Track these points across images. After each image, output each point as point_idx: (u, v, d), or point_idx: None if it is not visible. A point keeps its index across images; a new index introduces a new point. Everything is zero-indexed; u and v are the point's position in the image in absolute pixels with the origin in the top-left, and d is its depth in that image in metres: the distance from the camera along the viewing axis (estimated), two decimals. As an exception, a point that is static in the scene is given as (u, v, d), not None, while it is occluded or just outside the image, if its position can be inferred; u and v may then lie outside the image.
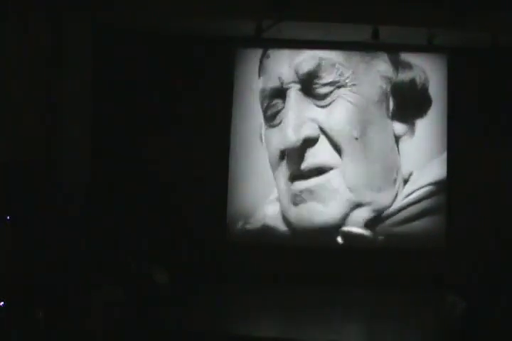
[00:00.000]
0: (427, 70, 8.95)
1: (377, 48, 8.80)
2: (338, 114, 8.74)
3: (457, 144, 8.97)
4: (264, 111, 8.88)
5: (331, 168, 8.71)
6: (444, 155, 8.94)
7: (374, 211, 8.79)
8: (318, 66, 8.77)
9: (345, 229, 8.78)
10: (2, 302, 5.67)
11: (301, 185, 8.73)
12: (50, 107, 7.55)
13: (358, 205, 8.74)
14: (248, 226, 8.87)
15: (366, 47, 8.75)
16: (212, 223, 8.81)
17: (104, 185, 8.35)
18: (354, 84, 8.77)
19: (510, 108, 8.96)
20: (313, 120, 8.73)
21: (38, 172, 7.21)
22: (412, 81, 8.92)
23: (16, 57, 7.08)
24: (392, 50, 8.89)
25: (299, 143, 8.66)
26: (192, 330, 6.34)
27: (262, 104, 8.90)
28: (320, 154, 8.71)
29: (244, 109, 8.94)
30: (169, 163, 8.78)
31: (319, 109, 8.76)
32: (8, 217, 6.62)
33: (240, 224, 8.88)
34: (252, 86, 8.92)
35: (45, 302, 5.91)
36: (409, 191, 8.84)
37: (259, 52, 8.95)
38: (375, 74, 8.85)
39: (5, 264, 6.50)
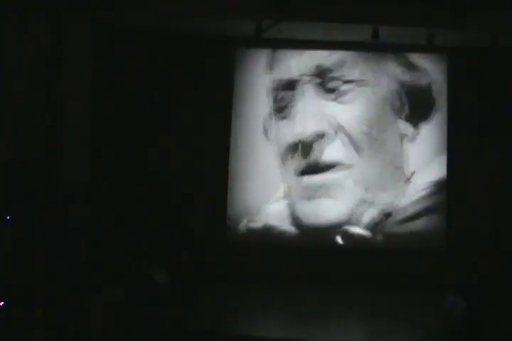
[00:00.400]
0: (431, 72, 8.98)
1: (377, 48, 8.80)
2: (356, 112, 8.81)
3: (457, 144, 8.97)
4: (275, 103, 8.91)
5: (343, 165, 8.75)
6: (445, 156, 8.95)
7: (380, 210, 8.83)
8: (341, 62, 8.83)
9: (349, 228, 8.79)
10: (2, 302, 5.67)
11: (311, 179, 8.75)
12: (50, 107, 7.55)
13: (367, 204, 8.78)
14: (248, 226, 8.87)
15: (366, 47, 8.76)
16: (213, 223, 8.81)
17: (104, 185, 8.35)
18: (372, 84, 8.85)
19: (510, 108, 8.96)
20: (330, 116, 8.78)
21: (38, 172, 7.20)
22: (422, 83, 8.96)
23: (16, 57, 7.07)
24: (392, 50, 8.90)
25: (312, 137, 8.70)
26: (192, 330, 6.35)
27: (273, 95, 8.91)
28: (333, 150, 8.76)
29: (244, 109, 8.94)
30: (169, 163, 8.79)
31: (337, 105, 8.82)
32: (8, 217, 6.62)
33: (240, 224, 8.88)
34: (253, 85, 8.92)
35: (45, 302, 5.91)
36: (411, 191, 8.86)
37: (259, 50, 8.94)
38: (390, 75, 8.92)
39: (5, 264, 6.50)
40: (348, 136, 8.76)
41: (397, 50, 8.92)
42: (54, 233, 7.21)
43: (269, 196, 8.86)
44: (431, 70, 8.99)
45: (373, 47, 8.78)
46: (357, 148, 8.77)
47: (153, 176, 8.72)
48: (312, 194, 8.76)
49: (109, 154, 8.50)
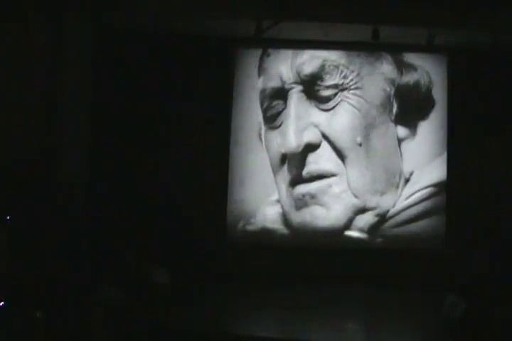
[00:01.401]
0: (431, 72, 8.90)
1: (377, 48, 8.78)
2: (340, 119, 8.65)
3: (457, 145, 8.96)
4: (264, 112, 8.83)
5: (333, 175, 8.65)
6: (444, 156, 8.93)
7: (377, 215, 8.77)
8: (322, 67, 8.69)
9: (347, 233, 8.75)
10: (2, 303, 5.67)
11: (302, 188, 8.67)
12: (50, 107, 7.55)
13: (362, 210, 8.71)
14: (248, 227, 8.86)
15: (366, 47, 8.74)
16: (212, 223, 8.80)
17: (104, 185, 8.35)
18: (358, 87, 8.69)
19: (510, 108, 8.96)
20: (315, 125, 8.64)
21: (38, 172, 7.21)
22: (417, 83, 8.83)
23: (16, 57, 7.08)
24: (392, 50, 8.87)
25: (300, 149, 8.60)
26: (192, 330, 6.34)
27: (261, 104, 8.86)
28: (322, 160, 8.64)
29: (244, 109, 8.93)
30: (169, 162, 8.79)
31: (322, 113, 8.66)
32: (8, 217, 6.62)
33: (240, 224, 8.87)
34: (253, 85, 8.90)
35: (45, 302, 5.91)
36: (411, 192, 8.82)
37: (259, 51, 8.92)
38: (379, 76, 8.77)
39: (5, 264, 6.50)
40: (340, 145, 8.60)
41: (397, 50, 8.89)
42: (54, 233, 7.21)
43: (270, 197, 8.85)
44: (429, 69, 8.91)
45: (373, 48, 8.75)
46: (350, 157, 8.61)
47: (153, 176, 8.71)
48: (306, 203, 8.66)
49: (109, 154, 8.51)
